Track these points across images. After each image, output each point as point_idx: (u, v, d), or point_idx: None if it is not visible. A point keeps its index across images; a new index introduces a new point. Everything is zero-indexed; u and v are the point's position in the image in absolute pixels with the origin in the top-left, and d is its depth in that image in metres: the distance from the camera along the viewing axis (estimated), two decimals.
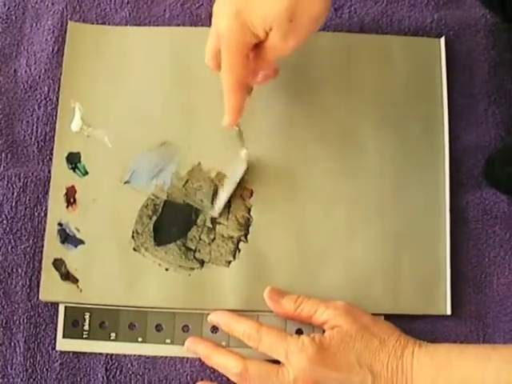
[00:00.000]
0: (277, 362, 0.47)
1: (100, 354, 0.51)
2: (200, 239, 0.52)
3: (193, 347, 0.50)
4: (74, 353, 0.51)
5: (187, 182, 0.53)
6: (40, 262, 0.51)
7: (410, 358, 0.45)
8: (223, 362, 0.48)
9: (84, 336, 0.50)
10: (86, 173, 0.53)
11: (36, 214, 0.52)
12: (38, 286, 0.51)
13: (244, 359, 0.47)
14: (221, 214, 0.52)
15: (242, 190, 0.52)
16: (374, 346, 0.46)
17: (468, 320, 0.52)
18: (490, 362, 0.43)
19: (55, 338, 0.51)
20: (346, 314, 0.47)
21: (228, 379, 0.48)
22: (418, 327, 0.51)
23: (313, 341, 0.46)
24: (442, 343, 0.47)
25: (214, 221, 0.52)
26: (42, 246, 0.51)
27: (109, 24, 0.56)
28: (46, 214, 0.52)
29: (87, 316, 0.51)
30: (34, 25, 0.56)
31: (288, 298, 0.49)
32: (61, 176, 0.52)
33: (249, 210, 0.52)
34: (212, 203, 0.52)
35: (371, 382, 0.45)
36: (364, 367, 0.45)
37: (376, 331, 0.47)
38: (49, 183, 0.52)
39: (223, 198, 0.52)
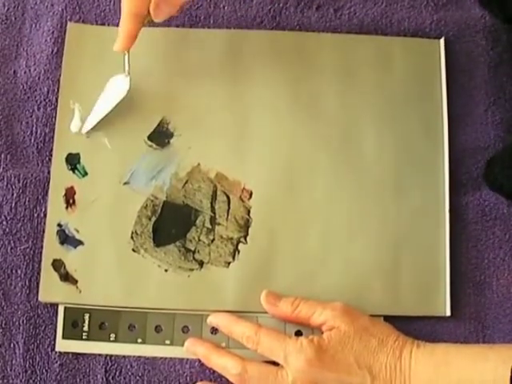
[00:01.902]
0: (276, 363, 0.47)
1: (99, 354, 0.50)
2: (199, 240, 0.52)
3: (192, 348, 0.50)
4: (74, 354, 0.51)
5: (186, 182, 0.53)
6: (39, 262, 0.51)
7: (409, 358, 0.45)
8: (222, 363, 0.48)
9: (83, 337, 0.50)
10: (86, 173, 0.53)
11: (35, 214, 0.52)
12: (38, 286, 0.51)
13: (243, 360, 0.47)
14: (219, 215, 0.52)
15: (242, 191, 0.52)
16: (372, 346, 0.46)
17: (467, 321, 0.52)
18: (487, 362, 0.43)
19: (55, 339, 0.50)
20: (343, 315, 0.47)
21: (227, 380, 0.48)
22: (417, 328, 0.51)
23: (311, 342, 0.46)
24: (441, 343, 0.47)
25: (213, 222, 0.52)
26: (42, 247, 0.51)
27: (108, 25, 0.56)
28: (45, 215, 0.52)
29: (87, 317, 0.51)
30: (34, 26, 0.56)
31: (285, 301, 0.49)
32: (60, 177, 0.52)
33: (248, 212, 0.52)
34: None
35: (370, 382, 0.45)
36: (363, 368, 0.45)
37: (374, 331, 0.47)
38: (48, 184, 0.52)
39: (97, 117, 0.52)
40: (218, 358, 0.48)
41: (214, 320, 0.50)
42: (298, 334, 0.50)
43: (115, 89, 0.52)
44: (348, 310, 0.48)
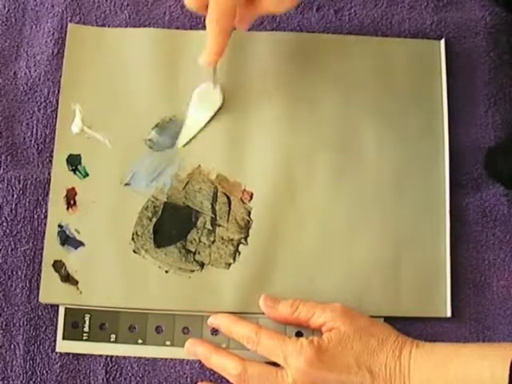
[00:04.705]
0: (276, 364, 0.47)
1: (100, 355, 0.51)
2: (200, 241, 0.52)
3: (192, 349, 0.50)
4: (74, 355, 0.51)
5: (187, 184, 0.53)
6: (40, 264, 0.51)
7: (408, 357, 0.45)
8: (222, 363, 0.48)
9: (84, 338, 0.50)
10: (87, 174, 0.53)
11: (36, 216, 0.52)
12: (38, 288, 0.51)
13: (243, 361, 0.47)
14: (219, 216, 0.52)
15: (242, 192, 0.53)
16: (372, 346, 0.46)
17: (468, 322, 0.52)
18: (485, 360, 0.43)
19: (55, 340, 0.51)
20: (343, 316, 0.47)
21: (227, 381, 0.48)
22: (417, 329, 0.51)
23: (311, 343, 0.46)
24: (440, 343, 0.47)
25: (213, 223, 0.52)
26: (42, 248, 0.51)
27: (109, 26, 0.56)
28: (46, 216, 0.52)
29: (87, 318, 0.51)
30: (34, 27, 0.56)
31: (284, 303, 0.49)
32: (61, 178, 0.52)
33: (249, 213, 0.52)
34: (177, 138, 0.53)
35: (370, 382, 0.45)
36: (363, 368, 0.45)
37: (374, 332, 0.47)
38: (49, 185, 0.52)
39: (193, 131, 0.53)
40: (217, 359, 0.48)
41: (214, 321, 0.50)
42: (299, 334, 0.50)
43: (206, 101, 0.53)
44: (347, 311, 0.48)
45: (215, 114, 0.53)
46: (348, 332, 0.46)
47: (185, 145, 0.53)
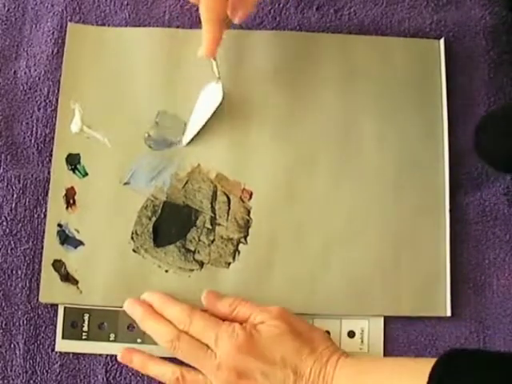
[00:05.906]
0: None
1: (100, 355, 0.51)
2: (199, 240, 0.52)
3: (130, 310, 0.49)
4: (74, 354, 0.51)
5: (187, 183, 0.53)
6: (40, 263, 0.51)
7: (334, 365, 0.45)
8: (156, 329, 0.48)
9: (83, 337, 0.50)
10: (86, 174, 0.53)
11: (36, 215, 0.52)
12: (38, 287, 0.51)
13: (178, 331, 0.47)
14: (219, 215, 0.52)
15: (242, 191, 0.53)
16: (303, 352, 0.46)
17: (468, 321, 0.52)
18: (403, 375, 0.42)
19: (55, 339, 0.51)
20: (281, 317, 0.47)
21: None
22: (418, 329, 0.51)
23: (244, 329, 0.46)
24: (368, 355, 0.46)
25: (213, 222, 0.52)
26: (42, 248, 0.51)
27: (109, 25, 0.56)
28: (45, 216, 0.52)
29: (86, 317, 0.51)
30: (34, 26, 0.56)
31: (224, 302, 0.49)
32: (60, 177, 0.52)
33: (248, 212, 0.52)
34: (183, 133, 0.53)
35: (293, 381, 0.45)
36: (287, 367, 0.45)
37: (308, 338, 0.47)
38: (48, 184, 0.52)
39: (196, 128, 0.53)
40: (153, 324, 0.48)
41: (148, 298, 0.50)
42: None
43: (209, 97, 0.53)
44: (286, 314, 0.48)
45: (215, 110, 0.53)
46: (284, 331, 0.46)
47: (189, 143, 0.53)
